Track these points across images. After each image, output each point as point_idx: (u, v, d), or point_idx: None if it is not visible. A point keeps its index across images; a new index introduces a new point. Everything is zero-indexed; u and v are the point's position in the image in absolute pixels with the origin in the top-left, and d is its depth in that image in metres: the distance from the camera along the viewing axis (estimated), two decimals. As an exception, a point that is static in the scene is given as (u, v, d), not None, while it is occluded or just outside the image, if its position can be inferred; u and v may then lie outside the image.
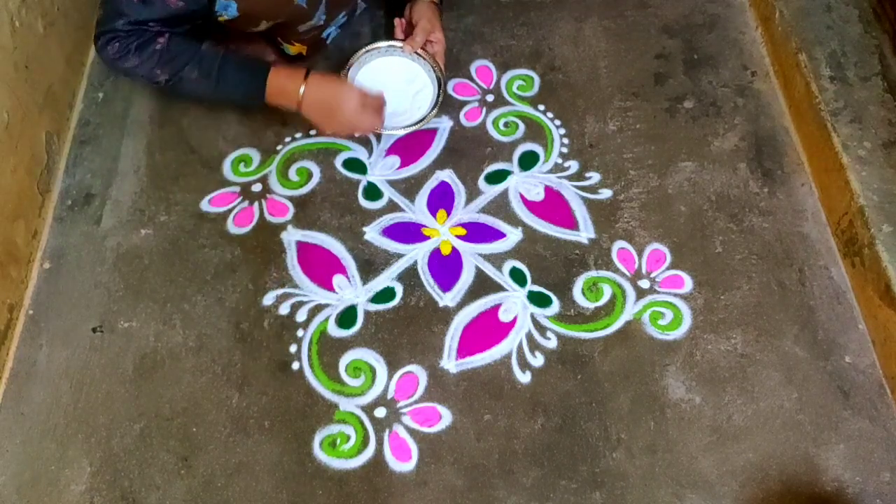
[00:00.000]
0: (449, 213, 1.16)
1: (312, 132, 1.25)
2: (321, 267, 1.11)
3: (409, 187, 1.19)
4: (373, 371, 1.03)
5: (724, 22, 1.36)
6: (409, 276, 1.10)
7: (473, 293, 1.09)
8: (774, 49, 1.29)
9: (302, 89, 1.08)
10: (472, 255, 1.12)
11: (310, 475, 0.96)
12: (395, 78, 1.20)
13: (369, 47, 1.19)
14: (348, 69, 1.18)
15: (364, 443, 0.98)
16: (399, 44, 1.19)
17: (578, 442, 0.97)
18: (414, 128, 1.17)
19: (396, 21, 1.22)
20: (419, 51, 1.18)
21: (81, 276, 1.11)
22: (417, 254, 1.12)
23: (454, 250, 1.13)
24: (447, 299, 1.08)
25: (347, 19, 1.21)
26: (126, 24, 1.04)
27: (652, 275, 1.10)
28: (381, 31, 1.32)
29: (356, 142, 1.23)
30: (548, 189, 1.18)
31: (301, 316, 1.07)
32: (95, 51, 1.10)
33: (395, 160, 1.21)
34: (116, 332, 1.07)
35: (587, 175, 1.19)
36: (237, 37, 1.21)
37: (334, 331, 1.06)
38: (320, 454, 0.97)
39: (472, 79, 1.29)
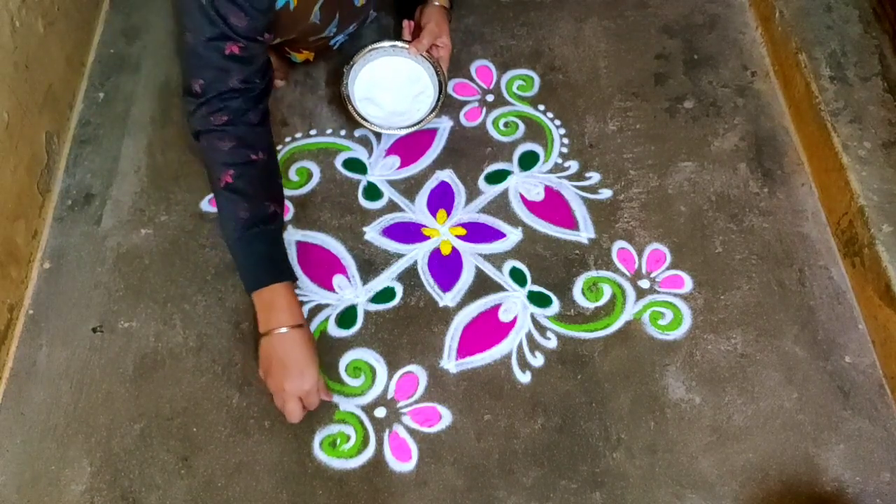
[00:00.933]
0: (449, 213, 1.16)
1: (312, 132, 1.25)
2: (321, 267, 1.11)
3: (409, 187, 1.19)
4: (373, 371, 1.03)
5: (724, 22, 1.36)
6: (409, 276, 1.10)
7: (473, 293, 1.09)
8: (774, 49, 1.29)
9: (283, 330, 0.95)
10: (472, 255, 1.12)
11: (310, 475, 0.96)
12: (398, 78, 1.20)
13: (374, 45, 1.19)
14: (352, 66, 1.18)
15: (364, 443, 0.98)
16: (405, 44, 1.19)
17: (578, 442, 0.97)
18: (411, 129, 1.17)
19: (405, 23, 1.22)
20: (424, 53, 1.18)
21: (81, 276, 1.11)
22: (417, 254, 1.12)
23: (454, 250, 1.13)
24: (447, 299, 1.08)
25: (357, 28, 1.21)
26: (239, 82, 0.98)
27: (652, 275, 1.10)
28: (386, 36, 1.32)
29: (356, 142, 1.23)
30: (548, 189, 1.18)
31: (301, 316, 1.07)
32: (189, 125, 1.03)
33: (395, 160, 1.21)
34: (116, 332, 1.07)
35: (587, 175, 1.19)
36: None
37: (334, 331, 1.06)
38: (320, 454, 0.97)
39: (472, 79, 1.29)
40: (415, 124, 1.17)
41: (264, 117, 1.04)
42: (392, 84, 1.20)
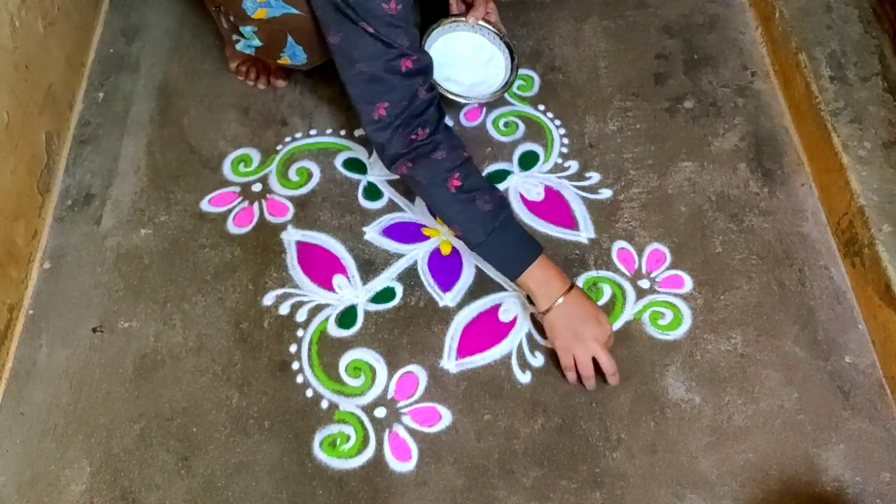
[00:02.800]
0: (449, 213, 1.16)
1: (312, 132, 1.25)
2: (321, 267, 1.11)
3: (409, 187, 1.19)
4: (373, 371, 1.03)
5: (724, 22, 1.36)
6: (409, 276, 1.10)
7: (473, 293, 1.09)
8: (774, 49, 1.29)
9: (561, 299, 0.97)
10: (472, 255, 1.12)
11: (310, 475, 0.96)
12: (466, 51, 1.21)
13: (431, 28, 1.19)
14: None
15: (364, 443, 0.98)
16: (457, 18, 1.19)
17: (578, 442, 0.97)
18: (504, 90, 1.19)
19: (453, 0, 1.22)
20: (481, 21, 1.19)
21: (81, 276, 1.11)
22: (417, 254, 1.12)
23: (454, 250, 1.13)
24: (447, 299, 1.08)
25: None
26: (426, 91, 0.99)
27: (652, 275, 1.10)
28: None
29: (356, 142, 1.23)
30: (548, 189, 1.18)
31: (301, 316, 1.07)
32: (383, 157, 1.02)
33: (395, 160, 1.21)
34: (116, 332, 1.07)
35: (587, 175, 1.19)
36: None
37: (334, 331, 1.06)
38: (320, 454, 0.97)
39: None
40: (506, 83, 1.19)
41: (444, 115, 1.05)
42: (463, 59, 1.20)
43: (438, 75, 1.17)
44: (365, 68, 0.98)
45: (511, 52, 1.20)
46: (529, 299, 1.06)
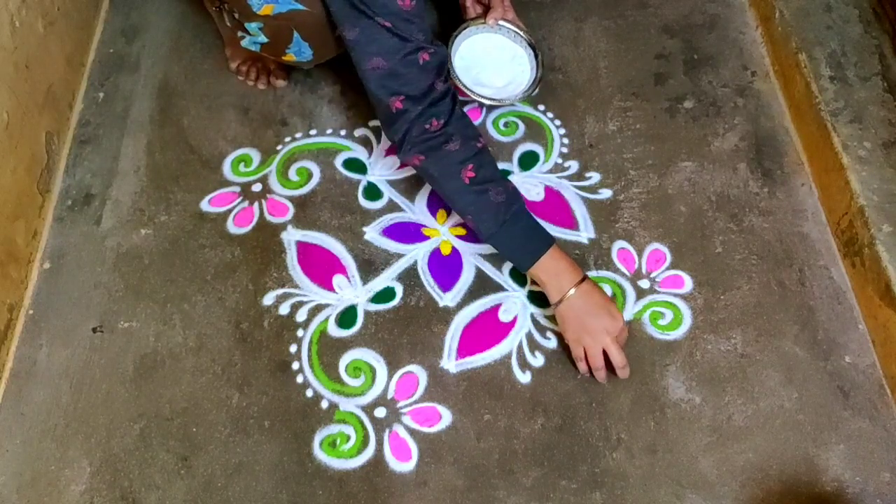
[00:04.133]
0: (449, 213, 1.16)
1: (312, 132, 1.25)
2: (321, 267, 1.11)
3: (409, 187, 1.19)
4: (373, 371, 1.03)
5: (724, 22, 1.36)
6: (409, 276, 1.10)
7: (473, 293, 1.09)
8: (774, 49, 1.29)
9: (573, 290, 0.98)
10: (472, 255, 1.12)
11: (310, 475, 0.96)
12: (488, 52, 1.22)
13: (454, 35, 1.20)
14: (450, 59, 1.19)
15: (364, 443, 0.98)
16: (480, 20, 1.21)
17: (578, 442, 0.97)
18: (534, 88, 1.21)
19: (468, 3, 1.24)
20: (501, 21, 1.21)
21: (81, 276, 1.11)
22: (417, 254, 1.12)
23: (454, 250, 1.13)
24: (447, 299, 1.08)
25: None
26: (442, 82, 1.00)
27: (652, 275, 1.10)
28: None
29: (356, 142, 1.23)
30: (548, 189, 1.18)
31: (301, 316, 1.07)
32: (400, 148, 1.02)
33: (394, 160, 1.21)
34: (116, 332, 1.07)
35: (587, 175, 1.19)
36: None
37: (334, 331, 1.06)
38: (320, 454, 0.97)
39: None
40: (535, 80, 1.21)
41: (460, 106, 1.05)
42: (488, 60, 1.22)
43: (467, 80, 1.19)
44: (383, 63, 0.99)
45: (534, 49, 1.22)
46: (538, 295, 1.06)
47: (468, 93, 1.18)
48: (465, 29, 1.22)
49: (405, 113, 1.00)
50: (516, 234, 1.01)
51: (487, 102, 1.20)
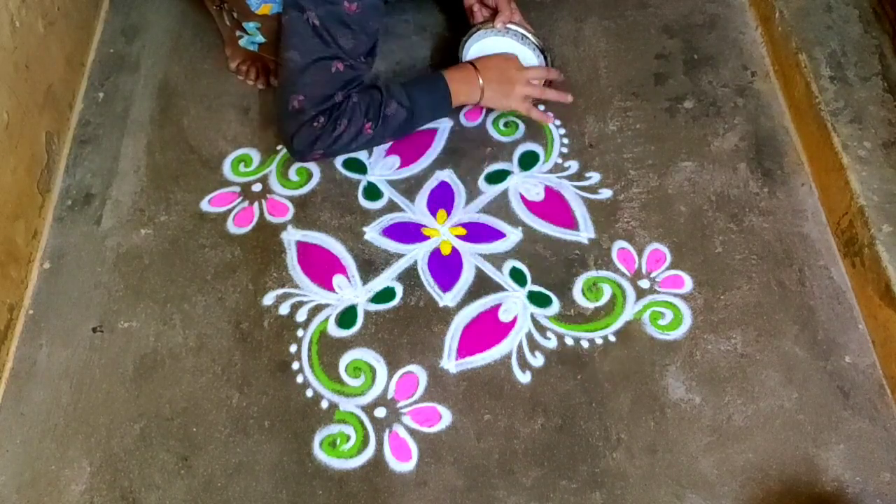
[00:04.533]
0: (449, 213, 1.16)
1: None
2: (321, 267, 1.11)
3: (409, 187, 1.19)
4: (373, 371, 1.03)
5: (724, 22, 1.36)
6: (409, 276, 1.10)
7: (473, 293, 1.09)
8: (774, 49, 1.29)
9: (480, 80, 1.12)
10: (472, 255, 1.12)
11: (310, 475, 0.96)
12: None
13: (463, 42, 1.22)
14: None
15: (364, 443, 0.98)
16: (488, 24, 1.23)
17: (578, 442, 0.97)
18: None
19: (475, 8, 1.25)
20: (509, 25, 1.23)
21: (81, 276, 1.11)
22: (417, 254, 1.12)
23: (454, 250, 1.13)
24: (447, 299, 1.08)
25: None
26: (342, 96, 1.07)
27: (652, 275, 1.10)
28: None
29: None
30: (548, 189, 1.18)
31: (301, 316, 1.07)
32: (289, 148, 1.13)
33: (395, 160, 1.21)
34: (116, 332, 1.07)
35: (587, 175, 1.19)
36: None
37: (334, 331, 1.06)
38: (320, 454, 0.97)
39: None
40: (547, 82, 1.22)
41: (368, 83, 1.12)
42: None
43: None
44: (297, 57, 1.01)
45: (543, 52, 1.23)
46: (538, 295, 1.06)
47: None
48: (474, 33, 1.22)
49: (299, 114, 1.04)
50: (424, 104, 1.12)
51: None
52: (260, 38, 1.11)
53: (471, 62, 1.15)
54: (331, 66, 1.01)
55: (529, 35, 1.23)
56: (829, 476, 0.94)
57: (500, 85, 1.14)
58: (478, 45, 1.23)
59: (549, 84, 1.21)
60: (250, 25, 1.10)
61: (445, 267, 1.11)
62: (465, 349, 1.04)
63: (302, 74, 1.02)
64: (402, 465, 0.96)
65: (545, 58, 1.23)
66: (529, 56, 1.23)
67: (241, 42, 1.15)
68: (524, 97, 1.16)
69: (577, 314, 1.07)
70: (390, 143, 1.21)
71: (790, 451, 0.96)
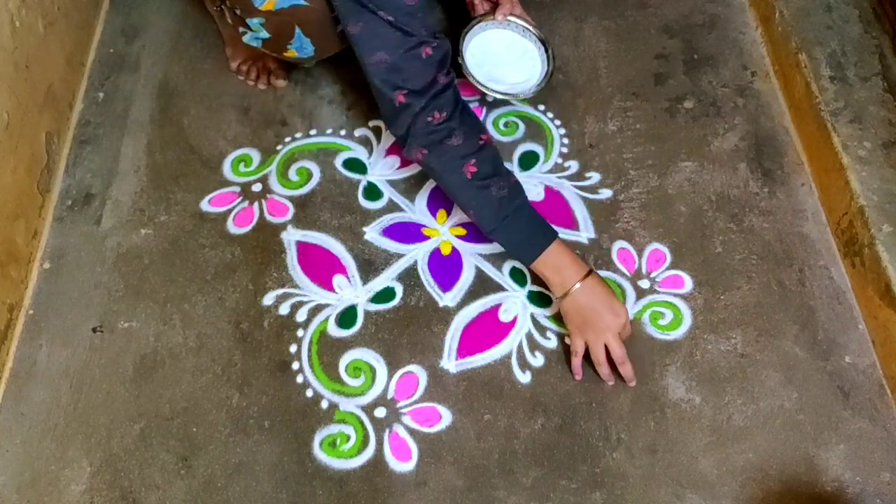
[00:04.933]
0: (449, 213, 1.16)
1: (312, 132, 1.25)
2: (321, 267, 1.11)
3: (409, 187, 1.19)
4: (373, 371, 1.03)
5: (724, 22, 1.36)
6: (409, 276, 1.10)
7: (473, 293, 1.09)
8: (774, 49, 1.29)
9: (577, 285, 0.98)
10: (472, 255, 1.12)
11: (310, 475, 0.96)
12: (498, 48, 1.22)
13: (463, 33, 1.20)
14: (462, 56, 1.19)
15: (364, 443, 0.98)
16: (489, 17, 1.21)
17: (578, 442, 0.97)
18: (546, 81, 1.20)
19: (476, 0, 1.24)
20: (509, 17, 1.21)
21: (81, 276, 1.11)
22: (417, 254, 1.12)
23: (454, 250, 1.13)
24: (447, 299, 1.08)
25: None
26: (444, 76, 1.00)
27: (652, 275, 1.10)
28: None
29: (356, 142, 1.23)
30: (548, 189, 1.18)
31: (301, 316, 1.07)
32: (404, 145, 1.02)
33: (395, 160, 1.21)
34: (116, 332, 1.07)
35: (587, 175, 1.19)
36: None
37: (334, 331, 1.06)
38: (320, 454, 0.97)
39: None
40: (546, 74, 1.21)
41: (463, 100, 1.05)
42: (498, 56, 1.21)
43: (480, 76, 1.19)
44: (386, 56, 0.99)
45: (544, 44, 1.22)
46: (538, 295, 1.06)
47: (482, 88, 1.18)
48: (474, 26, 1.21)
49: (408, 107, 1.00)
50: (518, 229, 1.01)
51: (501, 97, 1.20)
52: (264, 34, 1.11)
53: (589, 271, 1.00)
54: (420, 52, 0.99)
55: (531, 27, 1.22)
56: (829, 476, 0.94)
57: (587, 312, 0.99)
58: (479, 38, 1.22)
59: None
60: (254, 21, 1.10)
61: (445, 267, 1.11)
62: (465, 349, 1.04)
63: (398, 71, 0.99)
64: (402, 465, 0.96)
65: (546, 49, 1.22)
66: (531, 48, 1.23)
67: (245, 38, 1.15)
68: (601, 337, 0.99)
69: (577, 314, 1.06)
70: (392, 142, 1.22)
71: (790, 451, 0.96)
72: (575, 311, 0.99)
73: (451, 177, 1.02)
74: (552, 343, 1.04)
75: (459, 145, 1.00)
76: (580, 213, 1.15)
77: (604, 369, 1.00)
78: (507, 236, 1.02)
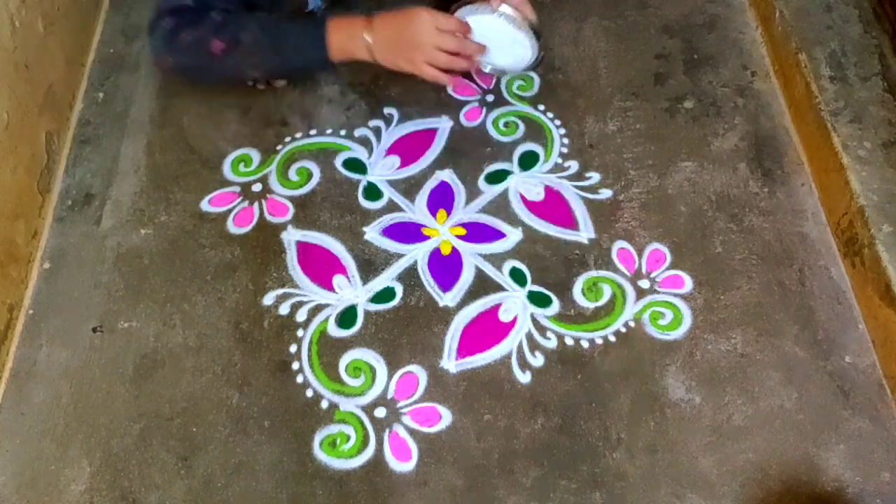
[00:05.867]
0: (449, 213, 1.16)
1: (312, 132, 1.25)
2: (321, 267, 1.11)
3: (409, 187, 1.19)
4: (373, 371, 1.03)
5: (724, 22, 1.36)
6: (409, 276, 1.10)
7: (473, 293, 1.09)
8: (774, 49, 1.29)
9: (366, 36, 0.99)
10: (472, 255, 1.12)
11: (310, 475, 0.96)
12: (487, 34, 1.18)
13: (456, 6, 1.17)
14: None
15: (364, 443, 0.98)
16: (480, 4, 1.16)
17: (578, 442, 0.97)
18: (536, 63, 1.20)
19: None
20: (502, 7, 1.17)
21: (81, 276, 1.11)
22: (417, 254, 1.12)
23: (454, 250, 1.13)
24: (447, 299, 1.08)
25: None
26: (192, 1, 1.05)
27: (652, 275, 1.10)
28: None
29: (356, 142, 1.23)
30: (548, 189, 1.18)
31: (301, 316, 1.07)
32: (149, 37, 1.12)
33: (395, 160, 1.21)
34: (116, 332, 1.07)
35: (587, 175, 1.19)
36: None
37: (334, 331, 1.06)
38: (320, 454, 0.97)
39: (472, 79, 1.29)
40: (536, 58, 1.19)
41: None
42: (486, 41, 1.18)
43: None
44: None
45: (536, 33, 1.18)
46: (538, 295, 1.06)
47: (485, 75, 1.20)
48: (468, 6, 1.16)
49: (157, 19, 1.05)
50: (294, 46, 1.02)
51: (489, 70, 1.21)
52: None
53: (370, 15, 1.05)
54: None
55: (522, 20, 1.16)
56: (829, 476, 0.94)
57: (397, 48, 1.02)
58: (471, 20, 1.16)
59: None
60: None
61: (445, 267, 1.11)
62: (465, 349, 1.04)
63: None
64: (402, 465, 0.96)
65: (538, 37, 1.17)
66: (521, 37, 1.17)
67: None
68: (427, 63, 1.05)
69: (577, 314, 1.07)
70: (392, 143, 1.22)
71: (790, 451, 0.96)
72: (382, 53, 1.01)
73: (211, 70, 1.07)
74: (552, 343, 1.04)
75: (193, 33, 1.05)
76: (580, 213, 1.15)
77: (441, 78, 1.04)
78: (292, 57, 1.06)
